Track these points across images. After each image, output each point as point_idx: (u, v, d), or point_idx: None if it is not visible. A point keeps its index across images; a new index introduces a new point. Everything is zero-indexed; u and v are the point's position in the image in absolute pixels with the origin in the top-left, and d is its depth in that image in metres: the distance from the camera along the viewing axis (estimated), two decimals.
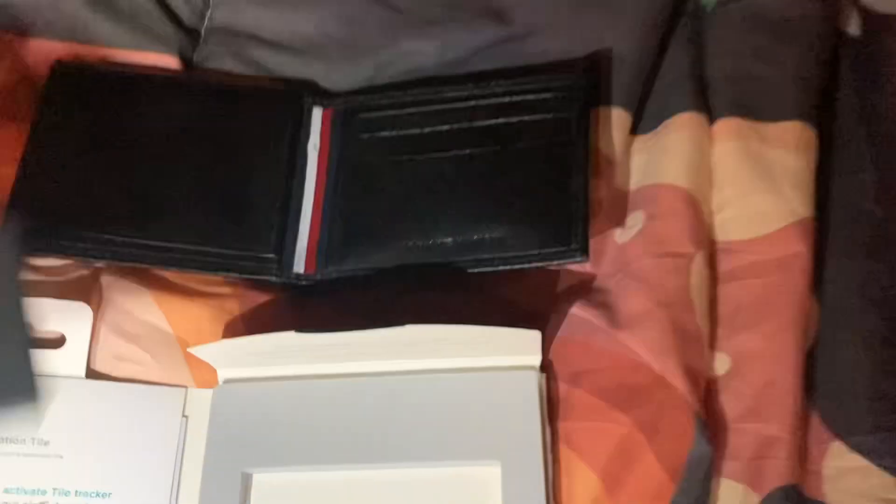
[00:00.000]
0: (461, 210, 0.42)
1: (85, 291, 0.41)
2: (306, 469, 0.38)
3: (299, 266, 0.43)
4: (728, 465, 0.37)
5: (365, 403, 0.39)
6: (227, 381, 0.40)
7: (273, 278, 0.42)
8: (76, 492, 0.37)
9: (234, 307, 0.42)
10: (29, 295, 0.39)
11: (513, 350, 0.38)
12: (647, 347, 0.38)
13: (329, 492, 0.37)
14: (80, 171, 0.43)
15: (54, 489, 0.37)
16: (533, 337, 0.38)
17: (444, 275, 0.42)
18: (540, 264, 0.41)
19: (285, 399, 0.39)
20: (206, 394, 0.40)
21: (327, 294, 0.43)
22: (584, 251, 0.40)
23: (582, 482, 0.36)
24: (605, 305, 0.40)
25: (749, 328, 0.39)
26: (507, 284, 0.42)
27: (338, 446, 0.38)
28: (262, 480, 0.38)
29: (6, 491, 0.36)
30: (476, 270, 0.41)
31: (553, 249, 0.40)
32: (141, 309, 0.41)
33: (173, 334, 0.41)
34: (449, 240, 0.42)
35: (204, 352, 0.39)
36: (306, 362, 0.39)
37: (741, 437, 0.37)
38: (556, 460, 0.37)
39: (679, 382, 0.37)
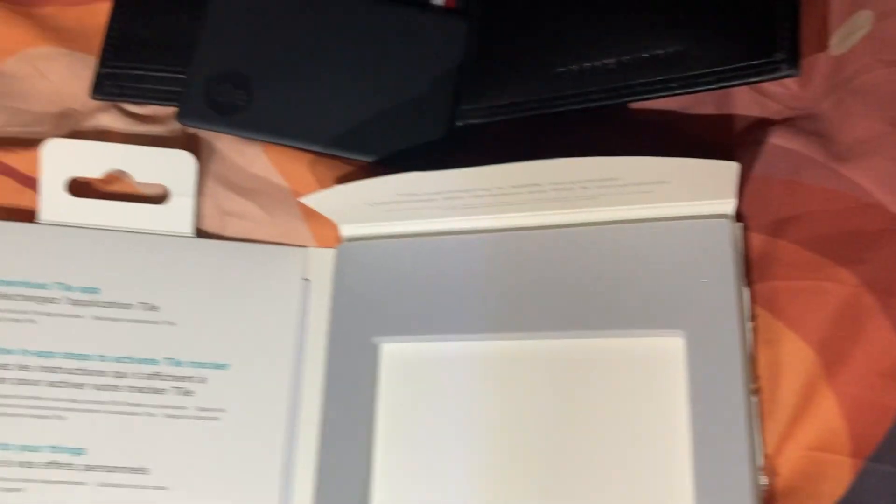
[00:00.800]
0: (626, 20, 0.33)
1: (187, 143, 0.36)
2: (444, 339, 0.32)
3: None
4: None
5: (513, 263, 0.32)
6: (350, 240, 0.35)
7: None
8: (190, 362, 0.33)
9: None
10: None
11: (699, 193, 0.30)
12: (879, 181, 0.29)
13: (471, 366, 0.32)
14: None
15: (166, 358, 0.33)
16: (727, 172, 0.29)
17: (605, 105, 0.34)
18: (732, 84, 0.32)
19: (419, 258, 0.33)
20: (329, 254, 0.35)
21: (461, 142, 0.36)
22: (793, 62, 0.30)
23: (792, 357, 0.28)
24: (816, 134, 0.31)
25: None
26: (682, 116, 0.34)
27: (482, 314, 0.32)
28: (393, 351, 0.33)
29: (116, 360, 0.33)
30: (646, 97, 0.33)
31: (750, 63, 0.31)
32: (251, 161, 0.36)
33: (288, 188, 0.36)
34: (611, 61, 0.33)
35: (320, 200, 0.33)
36: (442, 215, 0.33)
37: None
38: (755, 330, 0.29)
39: None
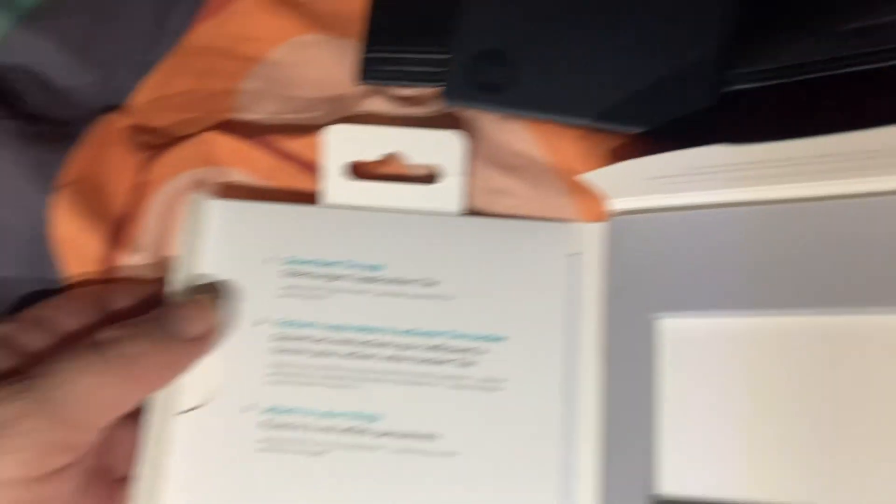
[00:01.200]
0: None
1: (451, 123, 0.38)
2: (724, 315, 0.32)
3: None
4: None
5: (794, 236, 0.31)
6: (622, 213, 0.35)
7: None
8: (470, 334, 0.34)
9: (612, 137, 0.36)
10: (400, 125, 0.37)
11: None
12: None
13: (753, 343, 0.31)
14: None
15: (448, 331, 0.34)
16: None
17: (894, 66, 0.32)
18: None
19: (696, 231, 0.33)
20: (596, 228, 0.35)
21: (730, 109, 0.35)
22: None
23: None
24: None
25: None
26: None
27: (763, 288, 0.31)
28: (671, 327, 0.33)
29: (401, 333, 0.34)
30: None
31: None
32: (514, 138, 0.37)
33: (551, 164, 0.36)
34: None
35: (597, 177, 0.33)
36: (724, 186, 0.32)
37: None
38: None
39: None
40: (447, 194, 0.36)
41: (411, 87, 0.38)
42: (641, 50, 0.35)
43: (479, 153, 0.37)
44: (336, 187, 0.36)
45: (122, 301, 0.36)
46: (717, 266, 0.32)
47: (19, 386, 0.29)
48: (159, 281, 0.36)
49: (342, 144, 0.36)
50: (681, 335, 0.32)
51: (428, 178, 0.37)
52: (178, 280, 0.35)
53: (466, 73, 0.36)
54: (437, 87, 0.37)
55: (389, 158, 0.37)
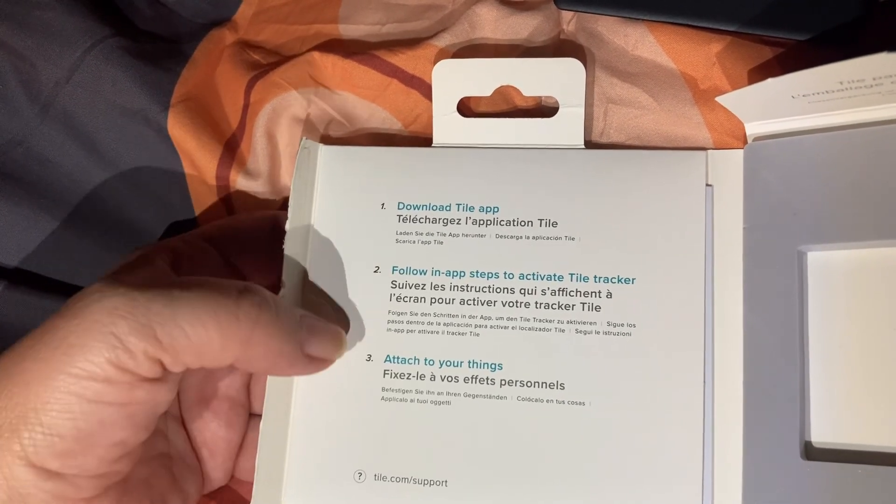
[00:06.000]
0: None
1: (563, 29, 0.35)
2: (883, 245, 0.28)
3: None
4: None
5: None
6: (759, 138, 0.31)
7: None
8: (595, 277, 0.32)
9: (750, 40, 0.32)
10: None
11: None
12: None
13: None
14: None
15: (571, 274, 0.32)
16: None
17: None
18: None
19: (846, 155, 0.29)
20: (734, 156, 0.32)
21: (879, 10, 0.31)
22: None
23: None
24: None
25: None
26: None
27: None
28: (822, 259, 0.29)
29: (522, 277, 0.33)
30: None
31: None
32: (635, 43, 0.34)
33: (677, 70, 0.33)
34: None
35: (735, 99, 0.30)
36: (877, 102, 0.28)
37: None
38: None
39: None
40: (567, 127, 0.34)
41: None
42: None
43: (597, 60, 0.34)
44: (447, 126, 0.35)
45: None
46: (866, 192, 0.28)
47: (139, 286, 0.27)
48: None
49: (451, 81, 0.35)
50: (831, 268, 0.29)
51: (542, 111, 0.35)
52: (296, 228, 0.34)
53: None
54: None
55: (501, 92, 0.35)
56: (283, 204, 0.37)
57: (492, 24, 0.36)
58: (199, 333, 0.27)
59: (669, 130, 0.33)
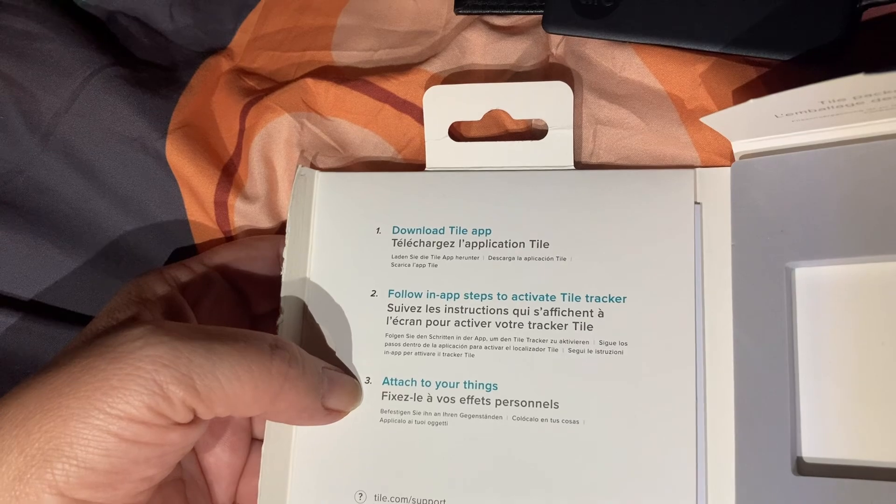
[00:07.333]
0: None
1: (551, 51, 0.35)
2: (870, 260, 0.29)
3: None
4: None
5: None
6: (747, 156, 0.32)
7: None
8: (587, 296, 0.33)
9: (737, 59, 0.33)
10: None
11: None
12: None
13: None
14: None
15: (563, 294, 0.33)
16: None
17: None
18: None
19: (831, 172, 0.29)
20: (721, 174, 0.32)
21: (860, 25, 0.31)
22: None
23: None
24: None
25: None
26: None
27: None
28: (810, 275, 0.30)
29: (515, 298, 0.33)
30: None
31: None
32: (622, 65, 0.34)
33: (664, 91, 0.33)
34: None
35: (720, 119, 0.30)
36: (861, 119, 0.29)
37: None
38: None
39: None
40: (557, 149, 0.34)
41: (509, 16, 0.36)
42: None
43: (584, 82, 0.35)
44: (438, 150, 0.35)
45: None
46: (855, 209, 0.29)
47: (181, 336, 0.28)
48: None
49: (441, 106, 0.35)
50: (819, 284, 0.30)
51: (532, 133, 0.35)
52: (294, 254, 0.34)
53: None
54: (536, 13, 0.35)
55: (491, 116, 0.35)
56: (282, 227, 0.38)
57: (481, 49, 0.36)
58: (235, 387, 0.28)
59: (658, 150, 0.33)
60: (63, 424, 0.26)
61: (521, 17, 0.36)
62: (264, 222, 0.38)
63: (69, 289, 0.39)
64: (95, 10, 0.42)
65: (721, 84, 0.32)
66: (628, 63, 0.34)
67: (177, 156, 0.38)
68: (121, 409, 0.26)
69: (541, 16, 0.35)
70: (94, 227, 0.39)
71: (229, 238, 0.38)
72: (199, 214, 0.38)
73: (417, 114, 0.36)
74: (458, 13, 0.37)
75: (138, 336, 0.28)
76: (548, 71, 0.36)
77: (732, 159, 0.32)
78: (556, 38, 0.36)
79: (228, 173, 0.38)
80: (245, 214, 0.38)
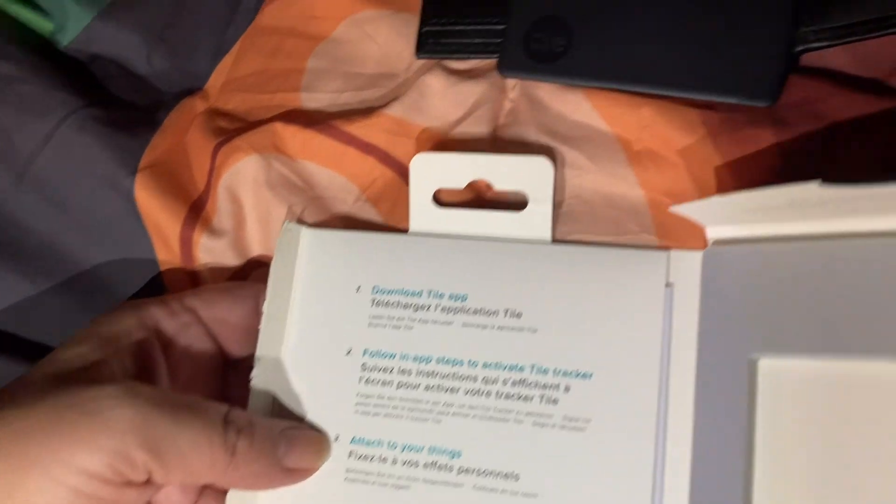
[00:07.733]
0: None
1: (507, 94, 0.37)
2: (836, 358, 0.29)
3: None
4: None
5: None
6: (719, 242, 0.32)
7: None
8: (554, 370, 0.33)
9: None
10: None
11: None
12: None
13: (871, 392, 0.28)
14: None
15: (532, 365, 0.33)
16: None
17: None
18: None
19: (803, 265, 0.30)
20: (694, 257, 0.32)
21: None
22: None
23: None
24: None
25: None
26: None
27: (886, 330, 0.28)
28: (774, 368, 0.30)
29: (484, 366, 0.34)
30: None
31: None
32: (573, 108, 0.35)
33: (612, 133, 0.35)
34: None
35: (691, 209, 0.31)
36: (827, 217, 0.29)
37: None
38: None
39: None
40: (535, 222, 0.35)
41: (467, 60, 0.37)
42: (705, 11, 0.33)
43: (537, 124, 0.36)
44: (422, 215, 0.36)
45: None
46: (823, 304, 0.29)
47: (151, 401, 0.29)
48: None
49: (427, 172, 0.36)
50: (781, 377, 0.30)
51: (514, 205, 0.36)
52: (274, 308, 0.35)
53: (521, 43, 0.35)
54: (493, 58, 0.36)
55: (474, 185, 0.36)
56: (248, 265, 0.39)
57: (440, 92, 0.37)
58: (193, 457, 0.30)
59: (608, 190, 0.34)
60: (24, 475, 0.27)
61: (479, 61, 0.37)
62: (230, 259, 0.39)
63: (41, 322, 0.40)
64: (77, 54, 0.44)
65: (666, 126, 0.33)
66: (579, 107, 0.35)
67: (144, 193, 0.40)
68: (82, 463, 0.27)
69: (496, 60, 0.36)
70: (67, 262, 0.40)
71: (193, 275, 0.39)
72: (165, 252, 0.40)
73: (380, 155, 0.38)
74: (419, 57, 0.38)
75: (113, 395, 0.29)
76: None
77: (680, 199, 0.32)
78: (511, 82, 0.37)
79: (196, 210, 0.40)
80: (210, 250, 0.39)
